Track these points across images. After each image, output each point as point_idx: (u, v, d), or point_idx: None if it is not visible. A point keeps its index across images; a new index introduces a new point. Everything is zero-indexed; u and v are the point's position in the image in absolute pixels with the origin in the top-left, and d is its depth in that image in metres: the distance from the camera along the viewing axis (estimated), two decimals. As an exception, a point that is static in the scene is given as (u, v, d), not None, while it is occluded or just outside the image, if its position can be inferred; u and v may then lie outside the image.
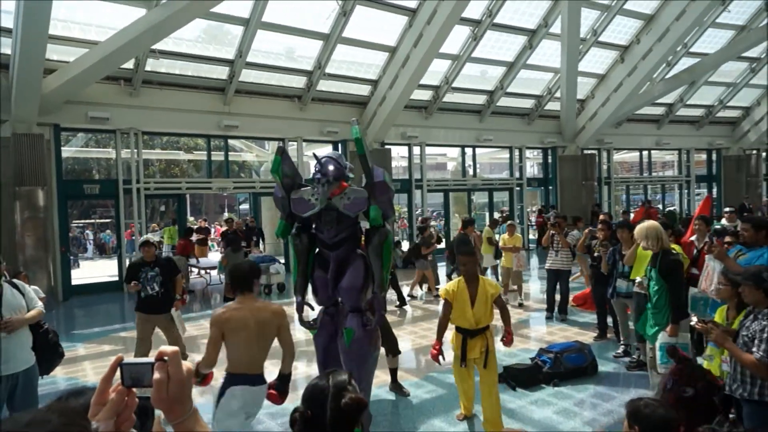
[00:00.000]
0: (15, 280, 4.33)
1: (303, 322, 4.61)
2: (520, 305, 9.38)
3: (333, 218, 4.27)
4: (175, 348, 1.12)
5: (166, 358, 1.10)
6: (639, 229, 4.99)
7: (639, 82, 16.79)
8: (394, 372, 5.63)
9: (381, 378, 5.93)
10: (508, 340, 4.58)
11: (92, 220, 25.11)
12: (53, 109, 10.76)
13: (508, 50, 15.56)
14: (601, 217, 8.73)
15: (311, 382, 1.71)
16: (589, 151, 19.33)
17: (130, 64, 11.39)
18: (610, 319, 7.18)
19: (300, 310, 4.57)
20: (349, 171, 4.47)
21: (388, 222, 4.60)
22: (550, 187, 19.57)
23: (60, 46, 10.56)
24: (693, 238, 6.76)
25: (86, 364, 6.97)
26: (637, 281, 5.56)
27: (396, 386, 5.66)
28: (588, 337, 7.27)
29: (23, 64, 9.45)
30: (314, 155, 5.14)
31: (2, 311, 3.78)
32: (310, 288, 4.69)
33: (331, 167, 4.29)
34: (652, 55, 16.17)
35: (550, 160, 19.51)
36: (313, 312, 4.89)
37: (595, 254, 7.09)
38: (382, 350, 5.70)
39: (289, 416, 1.64)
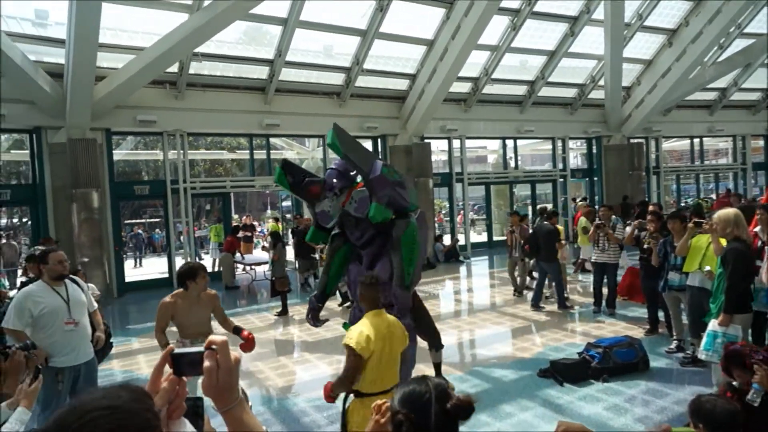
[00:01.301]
0: (74, 277, 4.57)
1: (308, 317, 4.68)
2: (566, 299, 9.16)
3: (352, 223, 4.41)
4: (224, 337, 1.16)
5: (215, 346, 1.14)
6: (718, 215, 4.79)
7: (689, 67, 16.09)
8: (437, 366, 5.61)
9: (425, 372, 5.93)
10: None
11: (143, 220, 26.07)
12: (104, 114, 11.22)
13: (549, 39, 15.19)
14: (651, 207, 8.42)
15: (405, 387, 1.62)
16: (636, 140, 18.69)
17: (174, 68, 11.73)
18: (661, 314, 6.93)
19: (311, 305, 4.63)
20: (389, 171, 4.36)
21: (414, 213, 4.49)
22: (595, 178, 19.03)
23: (109, 54, 10.96)
24: (757, 229, 6.43)
25: (140, 357, 7.25)
26: (706, 270, 5.30)
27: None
28: (638, 331, 7.04)
29: (76, 72, 9.88)
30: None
31: (70, 305, 4.00)
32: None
33: (335, 179, 4.43)
34: (703, 38, 15.46)
35: (594, 151, 18.97)
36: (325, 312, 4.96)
37: (645, 246, 6.85)
38: (425, 344, 5.71)
39: (392, 418, 1.56)
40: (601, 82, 16.78)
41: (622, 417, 4.66)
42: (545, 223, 9.02)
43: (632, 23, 15.35)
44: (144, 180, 19.70)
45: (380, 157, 15.16)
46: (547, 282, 9.00)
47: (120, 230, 13.19)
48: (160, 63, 10.68)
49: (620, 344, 5.74)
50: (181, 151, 12.67)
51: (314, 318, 4.68)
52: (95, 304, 4.63)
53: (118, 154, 17.57)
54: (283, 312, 9.18)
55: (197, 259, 14.36)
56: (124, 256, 13.64)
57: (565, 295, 9.30)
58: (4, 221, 23.63)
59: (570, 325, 7.81)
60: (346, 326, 4.77)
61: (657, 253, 6.31)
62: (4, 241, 16.13)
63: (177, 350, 1.14)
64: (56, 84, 10.50)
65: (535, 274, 9.59)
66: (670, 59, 16.34)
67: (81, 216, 10.80)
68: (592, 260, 8.43)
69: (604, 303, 8.26)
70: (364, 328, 3.18)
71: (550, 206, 14.11)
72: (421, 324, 5.55)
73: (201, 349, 1.13)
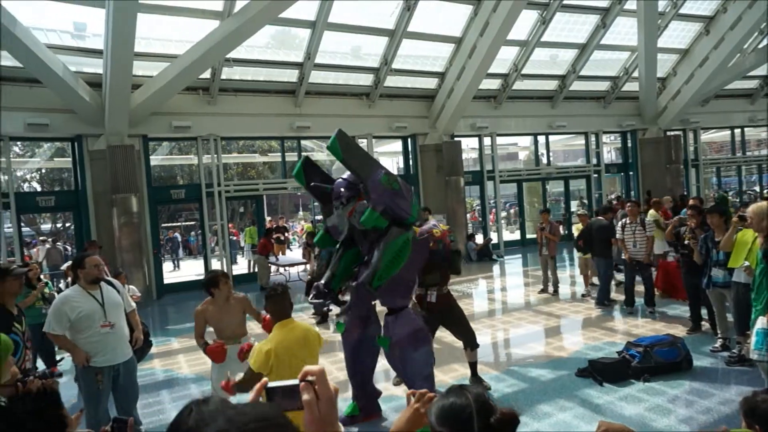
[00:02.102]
0: (110, 279, 4.73)
1: (312, 299, 4.65)
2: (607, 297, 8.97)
3: (361, 235, 4.45)
4: (321, 367, 1.11)
5: (311, 378, 1.08)
6: (752, 209, 4.60)
7: (727, 55, 15.54)
8: (473, 366, 5.58)
9: (460, 371, 5.91)
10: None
11: (178, 223, 26.69)
12: (141, 121, 11.54)
13: (580, 31, 14.90)
14: (691, 201, 8.17)
15: (443, 400, 1.53)
16: (673, 133, 18.15)
17: (207, 74, 11.98)
18: (704, 311, 6.72)
19: (316, 290, 4.59)
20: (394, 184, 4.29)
21: (414, 224, 4.45)
22: (631, 173, 18.58)
23: (144, 62, 11.26)
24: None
25: (180, 357, 7.43)
26: (745, 265, 5.08)
27: (476, 380, 5.61)
28: (679, 330, 6.84)
29: (114, 81, 10.18)
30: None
31: (105, 308, 4.14)
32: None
33: (342, 189, 4.43)
34: (742, 24, 14.91)
35: (629, 144, 18.52)
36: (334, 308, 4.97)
37: (685, 242, 6.65)
38: (460, 344, 5.69)
39: None
40: (635, 74, 16.35)
41: (665, 418, 4.54)
42: (599, 218, 8.87)
43: (666, 12, 14.92)
44: (179, 184, 20.16)
45: (393, 166, 15.16)
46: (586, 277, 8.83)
47: (158, 233, 13.55)
48: (194, 69, 10.92)
49: (662, 343, 5.58)
50: (215, 155, 12.93)
51: (317, 301, 4.60)
52: (132, 305, 4.76)
53: (154, 160, 18.05)
54: (322, 318, 9.18)
55: (232, 262, 14.61)
56: (162, 258, 13.98)
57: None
58: (48, 226, 24.57)
59: (608, 324, 7.64)
60: (339, 326, 4.81)
61: (699, 250, 6.11)
62: (48, 245, 16.77)
63: (271, 384, 1.09)
64: (95, 93, 10.85)
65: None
66: (708, 47, 15.82)
67: (121, 220, 11.14)
68: (623, 257, 8.16)
69: (640, 301, 8.05)
70: (263, 345, 3.30)
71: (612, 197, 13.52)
72: (457, 323, 5.54)
73: (296, 381, 1.08)
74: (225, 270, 13.00)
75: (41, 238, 20.10)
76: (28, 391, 1.57)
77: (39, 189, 22.54)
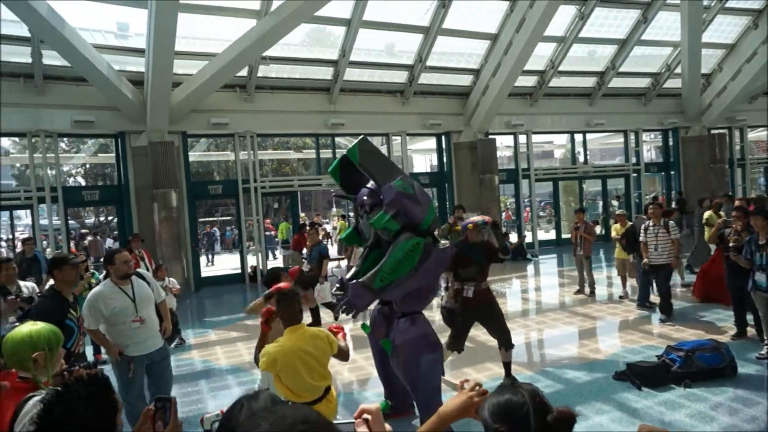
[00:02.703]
0: (141, 271, 4.85)
1: (334, 292, 4.62)
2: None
3: (385, 241, 4.38)
4: (377, 405, 1.16)
5: (367, 416, 1.13)
6: None
7: (778, 50, 14.92)
8: (507, 366, 5.53)
9: (494, 371, 5.87)
10: None
11: (215, 218, 27.28)
12: (180, 118, 11.83)
13: (620, 27, 14.54)
14: (737, 202, 7.87)
15: (498, 397, 1.52)
16: (718, 131, 17.53)
17: (244, 72, 12.19)
18: (750, 316, 6.49)
19: (340, 281, 4.54)
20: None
21: (431, 228, 4.35)
22: (672, 172, 18.04)
23: (183, 61, 11.52)
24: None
25: (217, 349, 7.60)
26: None
27: (509, 381, 5.56)
28: (723, 335, 6.62)
29: (155, 80, 10.48)
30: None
31: (137, 303, 4.30)
32: None
33: (365, 197, 4.40)
34: (795, 18, 14.29)
35: (671, 143, 17.98)
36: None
37: (730, 245, 6.42)
38: (494, 342, 5.65)
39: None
40: (678, 70, 15.88)
41: (707, 425, 4.40)
42: (643, 217, 8.67)
43: (711, 5, 14.43)
44: (216, 180, 20.60)
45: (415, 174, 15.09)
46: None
47: (196, 228, 13.88)
48: (231, 67, 11.13)
49: (704, 348, 5.41)
50: (251, 152, 13.15)
51: (339, 293, 4.55)
52: (162, 295, 4.82)
53: (192, 156, 18.49)
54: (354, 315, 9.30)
55: (267, 257, 14.84)
56: (200, 252, 14.32)
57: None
58: (91, 220, 25.47)
59: (647, 327, 7.45)
60: (365, 327, 4.80)
61: (744, 255, 5.90)
62: (90, 238, 17.41)
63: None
64: (137, 91, 11.18)
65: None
66: (756, 42, 15.23)
67: (161, 214, 11.46)
68: (644, 261, 7.84)
69: (681, 305, 7.82)
70: (273, 347, 3.28)
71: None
72: (495, 321, 5.52)
73: (352, 420, 1.12)
74: (261, 265, 13.24)
75: (82, 231, 20.90)
76: (80, 377, 1.61)
77: (83, 183, 23.38)
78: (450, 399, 1.60)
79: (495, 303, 5.51)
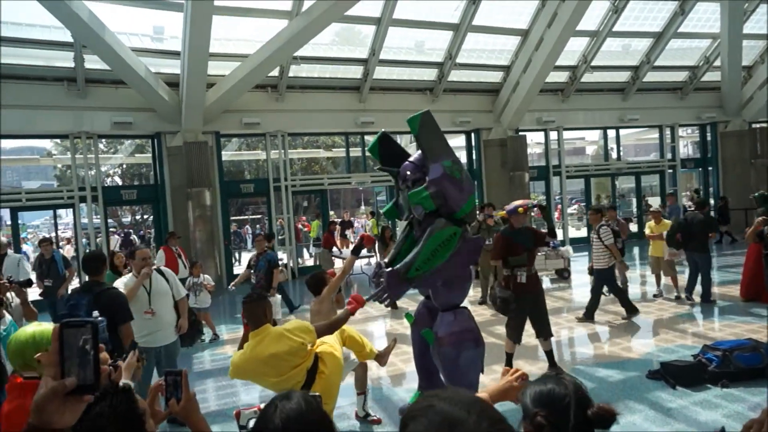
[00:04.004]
0: (162, 268, 5.01)
1: (371, 279, 4.59)
2: (677, 298, 8.57)
3: (416, 221, 4.35)
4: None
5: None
6: None
7: (824, 40, 14.33)
8: (550, 354, 5.59)
9: (538, 366, 5.85)
10: None
11: (245, 216, 27.78)
12: (213, 118, 12.11)
13: (655, 19, 14.20)
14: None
15: (540, 385, 1.54)
16: (760, 125, 16.92)
17: (275, 72, 12.38)
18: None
19: (377, 268, 4.48)
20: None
21: (465, 218, 4.23)
22: (710, 168, 17.51)
23: (217, 62, 11.77)
24: None
25: (250, 345, 7.75)
26: None
27: (554, 370, 5.53)
28: (763, 334, 6.43)
29: (190, 81, 10.75)
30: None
31: (151, 296, 4.50)
32: None
33: (408, 172, 4.34)
34: (842, 6, 13.70)
35: (708, 138, 17.45)
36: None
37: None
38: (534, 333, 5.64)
39: (531, 418, 1.47)
40: (717, 63, 15.40)
41: (746, 425, 4.30)
42: (695, 211, 8.55)
43: (754, -4, 13.94)
44: (248, 179, 20.97)
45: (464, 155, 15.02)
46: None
47: (229, 226, 14.17)
48: (263, 68, 11.33)
49: (742, 347, 5.27)
50: (282, 151, 13.35)
51: (376, 279, 4.56)
52: (182, 292, 4.93)
53: (224, 155, 18.87)
54: (392, 306, 9.22)
55: (299, 255, 15.06)
56: (233, 249, 14.62)
57: (676, 293, 8.70)
58: (128, 218, 26.27)
59: (681, 326, 7.29)
60: (408, 317, 4.82)
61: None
62: (122, 236, 17.97)
63: None
64: (173, 92, 11.49)
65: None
66: (801, 33, 14.62)
67: (195, 213, 11.76)
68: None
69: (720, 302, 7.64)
70: (236, 357, 3.41)
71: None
72: (541, 309, 5.59)
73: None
74: (292, 263, 13.44)
75: (111, 228, 21.61)
76: (105, 391, 1.56)
77: (120, 183, 24.12)
78: (494, 385, 1.66)
79: (542, 293, 5.63)
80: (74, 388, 0.93)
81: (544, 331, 5.49)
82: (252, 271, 7.66)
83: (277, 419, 1.46)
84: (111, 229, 21.30)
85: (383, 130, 4.81)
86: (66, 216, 20.56)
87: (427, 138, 4.18)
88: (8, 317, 3.92)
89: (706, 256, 8.18)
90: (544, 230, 5.65)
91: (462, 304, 4.42)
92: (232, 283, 8.10)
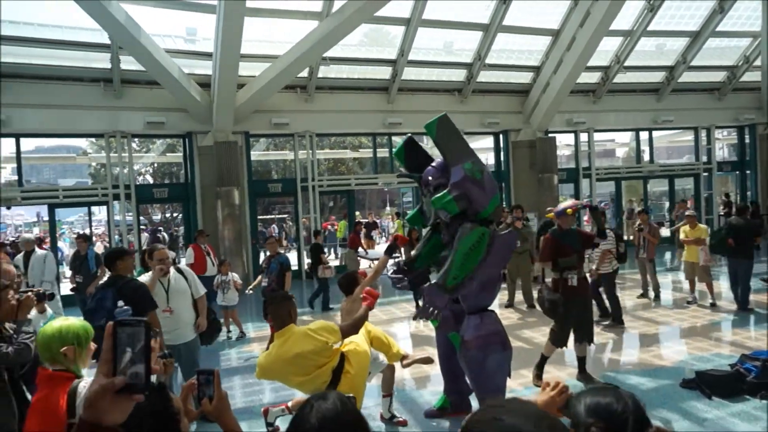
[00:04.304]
0: (181, 266, 5.08)
1: (391, 276, 4.66)
2: (712, 305, 8.32)
3: (444, 224, 4.40)
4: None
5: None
6: None
7: None
8: (582, 361, 5.46)
9: (569, 371, 5.76)
10: None
11: (272, 216, 28.07)
12: (243, 118, 12.26)
13: (692, 18, 13.81)
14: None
15: (598, 397, 1.51)
16: (801, 127, 16.34)
17: (304, 73, 12.47)
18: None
19: (398, 266, 4.65)
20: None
21: (491, 218, 4.21)
22: (748, 172, 16.96)
23: (247, 63, 11.90)
24: None
25: (277, 343, 7.82)
26: None
27: (584, 377, 5.43)
28: (804, 345, 6.19)
29: (222, 82, 10.91)
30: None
31: (169, 295, 4.57)
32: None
33: (430, 177, 4.37)
34: None
35: (747, 140, 16.91)
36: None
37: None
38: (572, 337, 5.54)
39: (585, 427, 1.45)
40: (757, 62, 14.90)
41: (787, 439, 4.15)
42: (737, 216, 8.32)
43: (797, -7, 13.45)
44: (275, 179, 21.17)
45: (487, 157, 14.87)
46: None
47: (256, 225, 14.33)
48: (293, 69, 11.42)
49: (783, 358, 5.09)
50: (310, 151, 13.44)
51: (395, 277, 4.66)
52: (201, 291, 4.93)
53: (252, 155, 19.10)
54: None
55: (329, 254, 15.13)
56: (260, 248, 14.77)
57: (711, 300, 8.45)
58: (158, 216, 26.83)
59: (717, 334, 7.08)
60: (434, 321, 4.79)
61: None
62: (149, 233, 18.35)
63: None
64: (204, 93, 11.68)
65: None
66: None
67: (224, 212, 11.93)
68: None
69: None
70: (262, 358, 3.43)
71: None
72: (588, 313, 5.54)
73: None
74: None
75: (141, 226, 22.07)
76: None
77: (151, 182, 24.64)
78: (534, 395, 1.62)
79: (589, 296, 5.58)
80: (124, 386, 0.94)
81: (587, 336, 5.39)
82: (263, 274, 7.60)
83: (313, 419, 1.46)
84: (141, 227, 21.83)
85: (410, 134, 4.83)
86: (99, 213, 21.10)
87: (446, 141, 4.21)
88: (50, 311, 4.03)
89: (750, 263, 7.89)
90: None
91: (489, 307, 4.39)
92: (249, 287, 8.22)
